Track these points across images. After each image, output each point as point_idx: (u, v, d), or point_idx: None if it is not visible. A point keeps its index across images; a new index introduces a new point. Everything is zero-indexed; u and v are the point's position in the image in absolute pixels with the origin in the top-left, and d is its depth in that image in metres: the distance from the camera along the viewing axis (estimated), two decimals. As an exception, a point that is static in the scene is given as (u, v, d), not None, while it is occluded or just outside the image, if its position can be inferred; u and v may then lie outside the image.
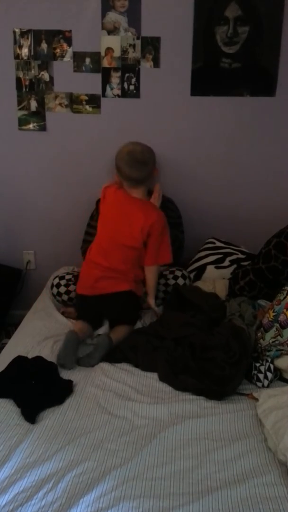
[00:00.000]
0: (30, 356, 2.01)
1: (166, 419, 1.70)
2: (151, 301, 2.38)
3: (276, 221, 2.57)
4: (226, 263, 2.71)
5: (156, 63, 2.77)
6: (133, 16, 2.69)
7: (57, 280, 2.55)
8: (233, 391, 1.85)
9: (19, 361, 1.95)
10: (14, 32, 2.76)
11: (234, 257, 2.74)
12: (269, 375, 1.91)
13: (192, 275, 2.68)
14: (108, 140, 2.91)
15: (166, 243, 2.36)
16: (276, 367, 1.97)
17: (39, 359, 1.98)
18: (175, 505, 1.33)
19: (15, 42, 2.77)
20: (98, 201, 2.85)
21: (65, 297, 2.52)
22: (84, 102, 2.86)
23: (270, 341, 2.01)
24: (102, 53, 2.76)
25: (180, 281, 2.48)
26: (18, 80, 2.84)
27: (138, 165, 2.30)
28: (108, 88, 2.82)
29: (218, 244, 2.85)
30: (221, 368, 1.88)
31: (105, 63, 2.78)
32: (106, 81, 2.81)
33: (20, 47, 2.78)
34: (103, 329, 2.32)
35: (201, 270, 2.73)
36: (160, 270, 2.58)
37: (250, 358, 1.98)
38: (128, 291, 2.31)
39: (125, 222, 2.29)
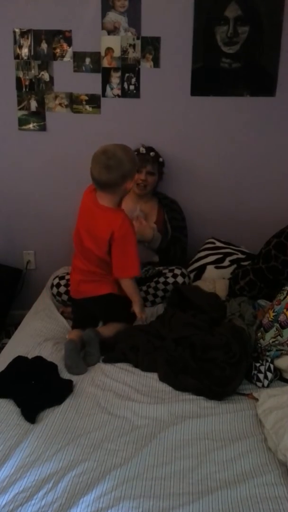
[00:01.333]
0: (30, 356, 2.01)
1: (166, 419, 1.70)
2: (136, 309, 2.25)
3: (276, 221, 2.57)
4: (226, 263, 2.71)
5: (156, 63, 2.77)
6: (133, 16, 2.69)
7: (57, 280, 2.56)
8: (233, 391, 1.85)
9: (19, 361, 1.95)
10: (14, 32, 2.76)
11: (234, 257, 2.74)
12: (269, 375, 1.91)
13: (192, 275, 2.68)
14: (108, 140, 2.88)
15: (130, 254, 2.15)
16: (276, 367, 1.97)
17: (39, 359, 1.98)
18: (175, 505, 1.33)
19: (15, 42, 2.78)
20: None
21: (65, 297, 2.52)
22: (84, 102, 2.86)
23: (270, 341, 2.01)
24: (102, 53, 2.77)
25: (180, 280, 2.48)
26: (18, 80, 2.84)
27: (104, 168, 2.08)
28: (108, 88, 2.82)
29: (218, 244, 2.85)
30: (221, 369, 1.88)
31: (105, 63, 2.78)
32: (106, 81, 2.81)
33: (20, 47, 2.78)
34: None
35: (201, 270, 2.73)
36: (159, 269, 2.59)
37: (250, 358, 1.97)
38: (108, 294, 2.22)
39: (90, 229, 2.18)
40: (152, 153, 2.72)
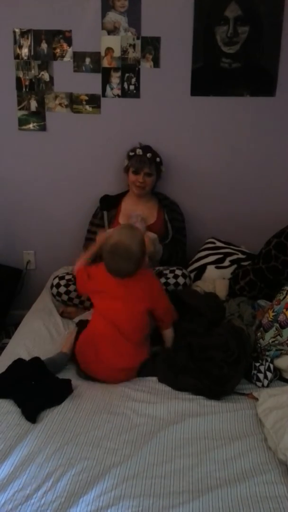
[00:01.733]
0: (30, 356, 2.00)
1: (165, 417, 1.70)
2: None
3: (276, 221, 2.57)
4: (226, 263, 2.71)
5: (156, 63, 2.77)
6: (133, 16, 2.69)
7: (57, 280, 2.55)
8: (232, 390, 1.85)
9: (19, 363, 1.95)
10: (14, 32, 2.76)
11: (234, 257, 2.73)
12: (269, 375, 1.91)
13: (192, 275, 2.68)
14: (108, 140, 2.91)
15: None
16: (276, 367, 1.97)
17: (37, 360, 1.96)
18: (175, 504, 1.33)
19: (15, 42, 2.78)
20: (101, 199, 2.85)
21: (65, 297, 2.52)
22: (84, 102, 2.86)
23: (270, 341, 2.01)
24: (102, 53, 2.77)
25: (180, 280, 2.48)
26: (18, 80, 2.84)
27: (122, 261, 1.99)
28: (108, 88, 2.83)
29: (218, 244, 2.85)
30: (220, 368, 1.87)
31: (105, 63, 2.78)
32: (106, 81, 2.81)
33: (20, 47, 2.78)
34: None
35: (201, 270, 2.73)
36: (160, 269, 2.58)
37: (249, 357, 1.97)
38: None
39: None
40: (149, 154, 2.70)
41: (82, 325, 2.17)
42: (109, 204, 2.83)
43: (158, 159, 2.74)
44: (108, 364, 1.96)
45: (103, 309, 2.06)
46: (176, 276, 2.48)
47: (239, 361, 1.91)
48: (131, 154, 2.73)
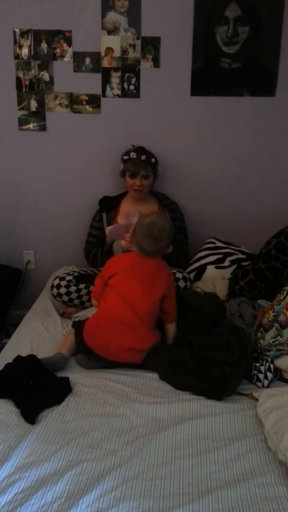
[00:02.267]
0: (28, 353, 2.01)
1: (165, 418, 1.70)
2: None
3: (276, 221, 2.57)
4: (226, 263, 2.71)
5: (156, 63, 2.77)
6: (133, 16, 2.69)
7: (57, 281, 2.55)
8: (233, 391, 1.85)
9: (16, 361, 1.95)
10: (14, 32, 2.76)
11: (234, 257, 2.73)
12: (269, 375, 1.91)
13: (192, 275, 2.68)
14: (108, 140, 2.91)
15: None
16: (276, 367, 1.97)
17: (33, 358, 1.96)
18: (175, 505, 1.33)
19: (15, 42, 2.78)
20: (100, 201, 2.85)
21: (65, 297, 2.52)
22: (84, 102, 2.86)
23: (270, 341, 2.01)
24: (102, 53, 2.76)
25: (181, 284, 2.47)
26: (18, 80, 2.84)
27: (154, 240, 2.14)
28: (108, 88, 2.82)
29: (218, 244, 2.85)
30: (220, 368, 1.87)
31: (105, 63, 2.78)
32: (106, 81, 2.81)
33: (20, 47, 2.78)
34: None
35: (201, 270, 2.73)
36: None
37: (250, 358, 1.97)
38: None
39: None
40: (143, 157, 2.66)
41: (81, 324, 2.17)
42: (108, 205, 2.82)
43: (153, 160, 2.70)
44: (123, 344, 2.02)
45: (121, 290, 2.11)
46: (176, 280, 2.47)
47: (240, 362, 1.91)
48: (126, 158, 2.70)
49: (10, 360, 1.95)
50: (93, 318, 2.14)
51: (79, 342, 2.09)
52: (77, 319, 2.37)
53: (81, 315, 2.40)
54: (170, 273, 2.24)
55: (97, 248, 2.74)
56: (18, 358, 1.96)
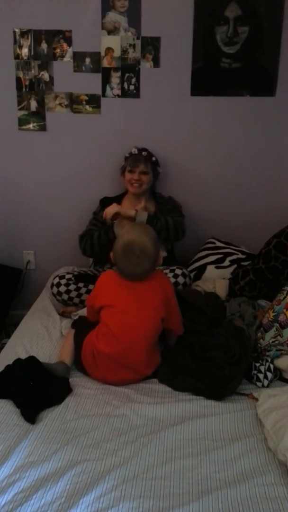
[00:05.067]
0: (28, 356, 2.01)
1: (165, 418, 1.70)
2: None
3: (276, 221, 2.57)
4: (226, 263, 2.71)
5: (156, 63, 2.77)
6: (133, 16, 2.69)
7: (57, 279, 2.55)
8: (233, 391, 1.85)
9: (16, 363, 1.95)
10: (14, 32, 2.76)
11: (234, 257, 2.73)
12: (269, 375, 1.91)
13: (192, 275, 2.68)
14: (108, 140, 2.91)
15: None
16: (276, 367, 1.97)
17: (32, 359, 1.96)
18: (175, 505, 1.33)
19: (15, 42, 2.78)
20: (102, 200, 2.85)
21: (65, 296, 2.52)
22: (84, 102, 2.86)
23: (270, 341, 2.01)
24: (102, 53, 2.76)
25: (180, 280, 2.48)
26: (18, 80, 2.84)
27: (136, 265, 1.91)
28: (108, 88, 2.82)
29: (218, 244, 2.85)
30: (221, 368, 1.87)
31: (105, 63, 2.78)
32: (106, 81, 2.81)
33: (20, 47, 2.78)
34: None
35: (201, 270, 2.73)
36: (160, 268, 2.58)
37: (250, 358, 1.97)
38: None
39: None
40: (144, 153, 2.72)
41: (80, 325, 2.16)
42: (109, 205, 2.82)
43: (154, 158, 2.75)
44: (121, 378, 1.92)
45: (113, 327, 1.91)
46: (176, 276, 2.48)
47: (240, 362, 1.91)
48: (127, 155, 2.76)
49: (10, 360, 1.95)
50: (89, 348, 1.96)
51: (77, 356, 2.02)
52: (76, 317, 2.36)
53: (81, 313, 2.40)
54: (167, 286, 2.04)
55: (94, 231, 2.69)
56: (18, 360, 1.96)
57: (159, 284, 2.00)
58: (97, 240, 2.64)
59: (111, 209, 2.60)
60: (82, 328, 2.13)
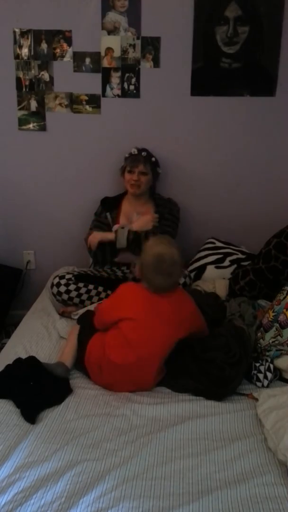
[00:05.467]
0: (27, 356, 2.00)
1: (165, 419, 1.70)
2: None
3: (276, 221, 2.57)
4: (226, 263, 2.71)
5: (156, 63, 2.77)
6: (133, 16, 2.69)
7: (57, 279, 2.55)
8: (233, 391, 1.85)
9: (17, 362, 1.95)
10: (14, 32, 2.76)
11: (234, 257, 2.74)
12: (269, 375, 1.91)
13: (192, 275, 2.68)
14: (108, 140, 2.91)
15: None
16: (276, 367, 1.96)
17: (32, 359, 1.96)
18: (175, 505, 1.33)
19: (15, 42, 2.78)
20: (102, 200, 2.85)
21: (65, 296, 2.52)
22: (84, 102, 2.86)
23: (270, 341, 2.01)
24: (102, 53, 2.76)
25: (180, 280, 2.48)
26: (18, 80, 2.84)
27: (167, 277, 1.90)
28: (108, 88, 2.82)
29: (218, 244, 2.85)
30: (221, 369, 1.87)
31: (105, 63, 2.78)
32: (106, 81, 2.81)
33: (20, 47, 2.78)
34: None
35: (201, 270, 2.73)
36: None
37: (250, 358, 1.97)
38: None
39: None
40: (143, 153, 2.72)
41: (85, 323, 2.12)
42: (110, 205, 2.83)
43: (153, 159, 2.74)
44: (127, 388, 1.88)
45: (132, 339, 1.86)
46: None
47: (240, 362, 1.91)
48: (127, 155, 2.76)
49: (10, 360, 1.95)
50: (95, 355, 1.91)
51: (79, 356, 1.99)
52: (76, 317, 2.36)
53: (81, 313, 2.40)
54: (192, 306, 2.01)
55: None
56: (18, 360, 1.96)
57: (182, 300, 1.99)
58: (101, 249, 2.69)
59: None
60: (86, 327, 2.10)
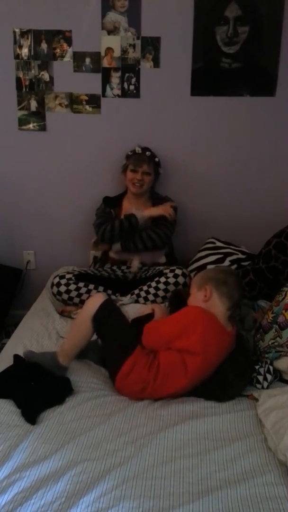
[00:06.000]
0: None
1: (165, 418, 1.70)
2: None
3: (276, 221, 2.57)
4: (226, 263, 2.71)
5: (156, 63, 2.77)
6: (133, 16, 2.69)
7: (57, 279, 2.55)
8: (232, 397, 1.82)
9: (17, 362, 1.95)
10: (14, 32, 2.76)
11: (234, 257, 2.73)
12: (269, 377, 1.90)
13: (192, 275, 2.68)
14: (108, 140, 2.91)
15: None
16: (275, 368, 1.96)
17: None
18: (175, 505, 1.33)
19: (15, 42, 2.78)
20: (105, 199, 2.84)
21: (65, 296, 2.52)
22: (84, 102, 2.86)
23: (270, 343, 2.00)
24: (102, 53, 2.77)
25: (181, 280, 2.48)
26: (18, 80, 2.84)
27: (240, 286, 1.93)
28: (108, 88, 2.82)
29: (218, 244, 2.85)
30: (225, 375, 1.85)
31: (105, 63, 2.78)
32: (106, 81, 2.81)
33: (20, 47, 2.78)
34: None
35: (201, 270, 2.72)
36: (160, 268, 2.59)
37: (253, 366, 1.95)
38: None
39: None
40: (148, 153, 2.73)
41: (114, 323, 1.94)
42: (112, 205, 2.83)
43: (156, 159, 2.75)
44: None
45: (193, 372, 1.78)
46: (176, 276, 2.49)
47: (245, 373, 1.90)
48: (130, 153, 2.76)
49: (10, 360, 1.95)
50: (138, 376, 1.78)
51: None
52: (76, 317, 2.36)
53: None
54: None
55: (112, 221, 2.68)
56: (17, 357, 1.96)
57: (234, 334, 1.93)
58: (119, 225, 2.64)
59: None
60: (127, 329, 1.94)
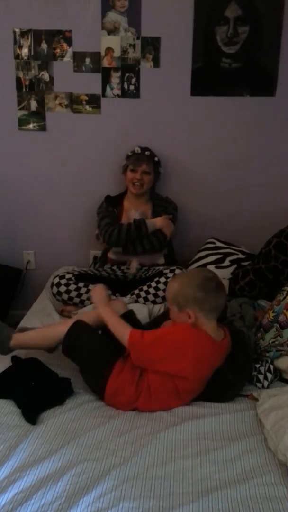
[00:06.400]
0: (28, 355, 2.00)
1: (165, 419, 1.70)
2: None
3: (276, 221, 2.56)
4: (226, 263, 2.71)
5: (156, 63, 2.77)
6: (133, 16, 2.69)
7: (57, 279, 2.55)
8: (232, 398, 1.83)
9: (17, 362, 1.95)
10: (14, 32, 2.76)
11: (234, 257, 2.73)
12: (269, 376, 1.91)
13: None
14: (108, 140, 2.91)
15: None
16: (276, 367, 1.96)
17: (32, 359, 1.96)
18: (175, 505, 1.33)
19: (15, 42, 2.78)
20: (107, 198, 2.85)
21: (65, 296, 2.52)
22: (84, 102, 2.86)
23: (270, 342, 2.01)
24: (102, 53, 2.77)
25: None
26: (18, 80, 2.84)
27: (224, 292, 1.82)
28: (108, 88, 2.82)
29: (218, 244, 2.85)
30: (224, 376, 1.85)
31: (105, 63, 2.78)
32: (106, 81, 2.81)
33: (20, 47, 2.78)
34: None
35: (201, 270, 2.73)
36: (160, 268, 2.59)
37: (252, 363, 1.95)
38: None
39: None
40: (147, 152, 2.73)
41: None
42: (113, 203, 2.83)
43: (156, 159, 2.75)
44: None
45: (183, 392, 1.76)
46: (176, 276, 2.48)
47: (243, 370, 1.90)
48: (130, 154, 2.77)
49: (10, 360, 1.95)
50: (127, 397, 1.73)
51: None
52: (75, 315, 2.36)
53: (81, 312, 2.40)
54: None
55: (119, 225, 2.67)
56: (17, 359, 1.96)
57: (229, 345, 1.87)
58: (126, 231, 2.62)
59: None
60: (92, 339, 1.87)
